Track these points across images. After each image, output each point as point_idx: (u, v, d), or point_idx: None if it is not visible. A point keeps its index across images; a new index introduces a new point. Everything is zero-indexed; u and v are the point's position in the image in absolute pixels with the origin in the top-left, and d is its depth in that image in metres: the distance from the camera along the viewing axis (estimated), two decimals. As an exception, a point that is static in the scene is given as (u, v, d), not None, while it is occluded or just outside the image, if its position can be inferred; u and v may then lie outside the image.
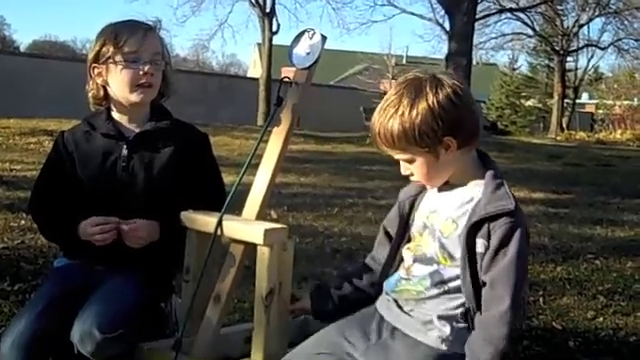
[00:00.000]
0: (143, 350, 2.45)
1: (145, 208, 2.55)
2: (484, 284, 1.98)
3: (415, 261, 2.13)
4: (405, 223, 2.22)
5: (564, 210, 7.80)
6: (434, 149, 2.01)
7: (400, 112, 1.98)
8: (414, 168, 2.07)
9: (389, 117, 1.99)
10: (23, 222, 5.10)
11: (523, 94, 37.88)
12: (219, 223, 2.33)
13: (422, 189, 2.20)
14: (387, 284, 2.22)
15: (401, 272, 2.17)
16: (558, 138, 24.22)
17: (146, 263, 2.55)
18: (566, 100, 33.80)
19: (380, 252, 2.34)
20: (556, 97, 32.82)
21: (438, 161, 2.04)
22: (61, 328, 2.35)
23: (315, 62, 2.34)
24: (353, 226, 6.05)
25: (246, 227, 2.32)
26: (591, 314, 3.87)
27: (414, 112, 1.97)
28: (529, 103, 38.01)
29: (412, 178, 2.12)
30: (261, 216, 2.38)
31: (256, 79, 25.40)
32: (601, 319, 3.79)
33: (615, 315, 3.88)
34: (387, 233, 2.32)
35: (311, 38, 2.33)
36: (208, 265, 2.39)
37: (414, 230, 2.17)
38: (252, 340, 2.34)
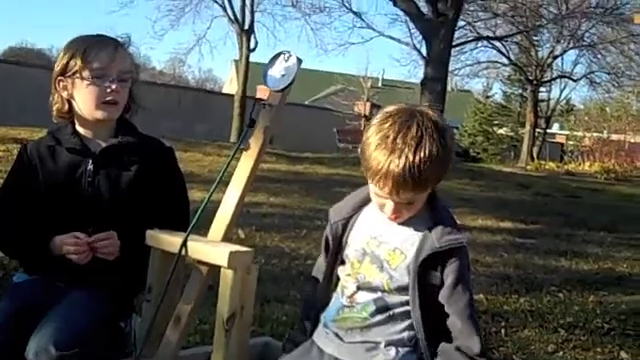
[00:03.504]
0: (101, 369, 2.42)
1: (110, 223, 2.53)
2: (445, 315, 2.02)
3: (359, 289, 2.11)
4: (338, 245, 2.18)
5: (530, 240, 7.85)
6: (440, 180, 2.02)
7: (436, 151, 1.91)
8: (410, 208, 2.02)
9: (427, 157, 1.90)
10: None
11: (496, 122, 38.15)
12: (184, 244, 2.32)
13: (355, 211, 2.17)
14: (327, 314, 2.19)
15: (343, 300, 2.14)
16: (528, 167, 24.37)
17: (107, 280, 2.53)
18: (537, 130, 34.05)
19: (322, 267, 2.29)
20: (528, 126, 33.05)
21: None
22: (18, 345, 2.31)
23: (290, 85, 2.32)
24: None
25: (211, 249, 2.30)
26: (552, 347, 3.89)
27: (447, 146, 1.95)
28: (501, 131, 38.28)
29: (391, 217, 2.04)
30: (227, 237, 2.37)
31: (232, 95, 25.37)
32: (561, 353, 3.82)
33: (575, 350, 3.91)
34: (327, 249, 2.26)
35: (287, 60, 2.32)
36: (171, 285, 2.37)
37: (350, 255, 2.14)
38: (210, 363, 2.33)
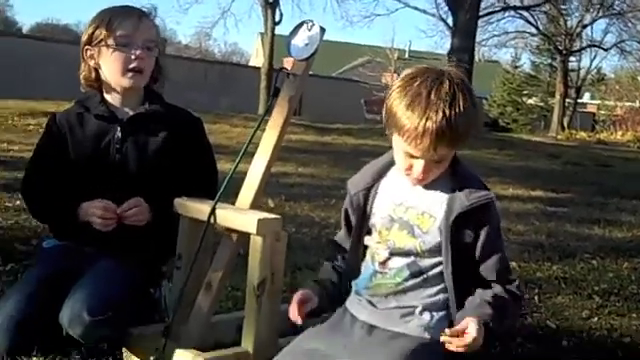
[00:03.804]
0: (133, 335, 2.43)
1: (138, 190, 2.54)
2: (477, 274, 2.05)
3: (392, 255, 2.09)
4: (362, 215, 2.16)
5: (562, 209, 7.76)
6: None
7: (470, 106, 1.92)
8: (439, 166, 2.01)
9: (462, 111, 1.90)
10: (18, 202, 5.07)
11: (525, 92, 37.90)
12: (212, 211, 2.31)
13: (374, 181, 2.15)
14: (358, 282, 2.17)
15: (375, 267, 2.12)
16: (559, 137, 24.20)
17: (137, 247, 2.53)
18: (568, 99, 33.73)
19: (345, 237, 2.27)
20: (558, 96, 32.77)
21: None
22: (50, 311, 2.33)
23: (313, 54, 2.32)
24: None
25: (239, 216, 2.30)
26: (586, 314, 3.84)
27: (477, 104, 1.99)
28: (531, 101, 38.02)
29: (418, 177, 2.02)
30: (255, 205, 2.37)
31: (258, 68, 25.35)
32: (596, 319, 3.76)
33: (610, 316, 3.85)
34: (348, 221, 2.25)
35: (310, 30, 2.32)
36: (200, 252, 2.37)
37: (377, 223, 2.13)
38: (243, 329, 2.32)
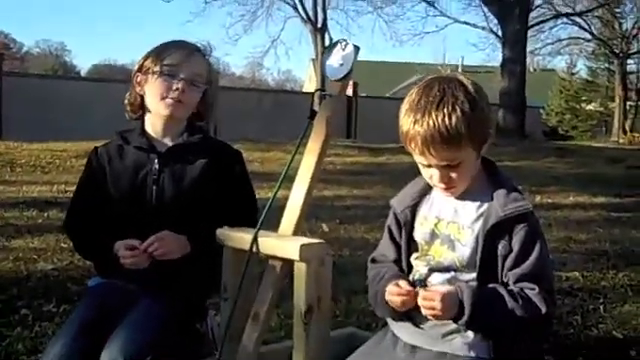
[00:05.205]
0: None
1: (175, 222, 2.51)
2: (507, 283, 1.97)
3: (431, 271, 2.06)
4: (409, 233, 2.14)
5: (627, 214, 7.57)
6: (482, 143, 1.99)
7: (461, 105, 1.91)
8: (457, 172, 1.98)
9: (451, 111, 1.90)
10: (73, 243, 5.14)
11: (583, 98, 37.27)
12: (254, 240, 2.28)
13: (419, 198, 2.14)
14: None
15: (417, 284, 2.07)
16: (621, 141, 23.76)
17: (178, 281, 2.50)
18: (629, 102, 33.11)
19: (389, 253, 2.22)
20: (617, 100, 32.21)
21: (477, 160, 2.02)
22: (95, 351, 2.31)
23: (348, 73, 2.29)
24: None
25: (281, 243, 2.26)
26: (655, 323, 3.70)
27: (478, 103, 1.95)
28: (590, 107, 37.38)
29: (441, 186, 2.02)
30: (298, 231, 2.32)
31: (311, 94, 25.49)
32: (665, 328, 3.63)
33: (681, 324, 3.70)
34: (393, 239, 2.22)
35: (344, 49, 2.29)
36: (245, 283, 2.33)
37: (419, 239, 2.11)
38: (292, 358, 2.27)
